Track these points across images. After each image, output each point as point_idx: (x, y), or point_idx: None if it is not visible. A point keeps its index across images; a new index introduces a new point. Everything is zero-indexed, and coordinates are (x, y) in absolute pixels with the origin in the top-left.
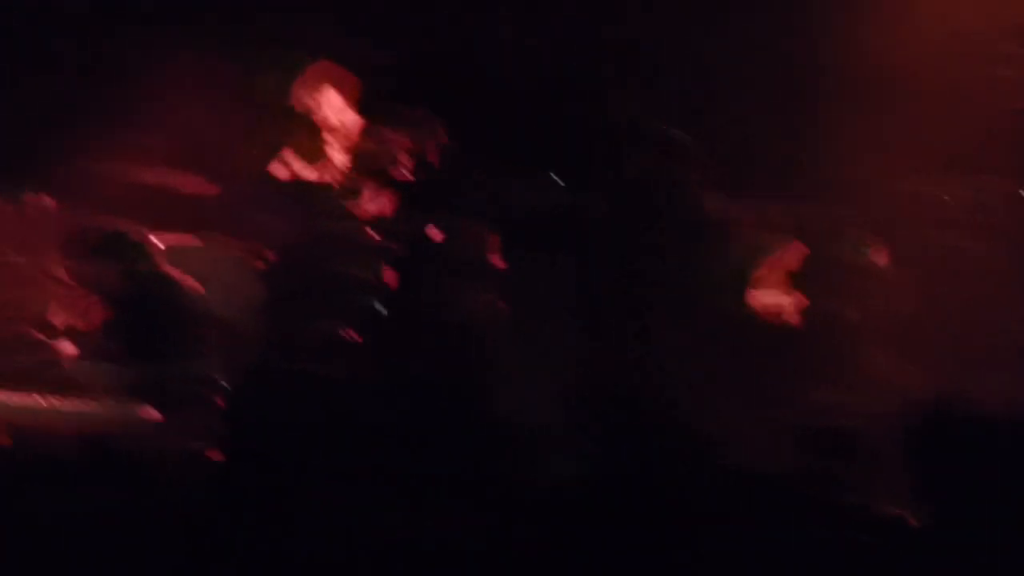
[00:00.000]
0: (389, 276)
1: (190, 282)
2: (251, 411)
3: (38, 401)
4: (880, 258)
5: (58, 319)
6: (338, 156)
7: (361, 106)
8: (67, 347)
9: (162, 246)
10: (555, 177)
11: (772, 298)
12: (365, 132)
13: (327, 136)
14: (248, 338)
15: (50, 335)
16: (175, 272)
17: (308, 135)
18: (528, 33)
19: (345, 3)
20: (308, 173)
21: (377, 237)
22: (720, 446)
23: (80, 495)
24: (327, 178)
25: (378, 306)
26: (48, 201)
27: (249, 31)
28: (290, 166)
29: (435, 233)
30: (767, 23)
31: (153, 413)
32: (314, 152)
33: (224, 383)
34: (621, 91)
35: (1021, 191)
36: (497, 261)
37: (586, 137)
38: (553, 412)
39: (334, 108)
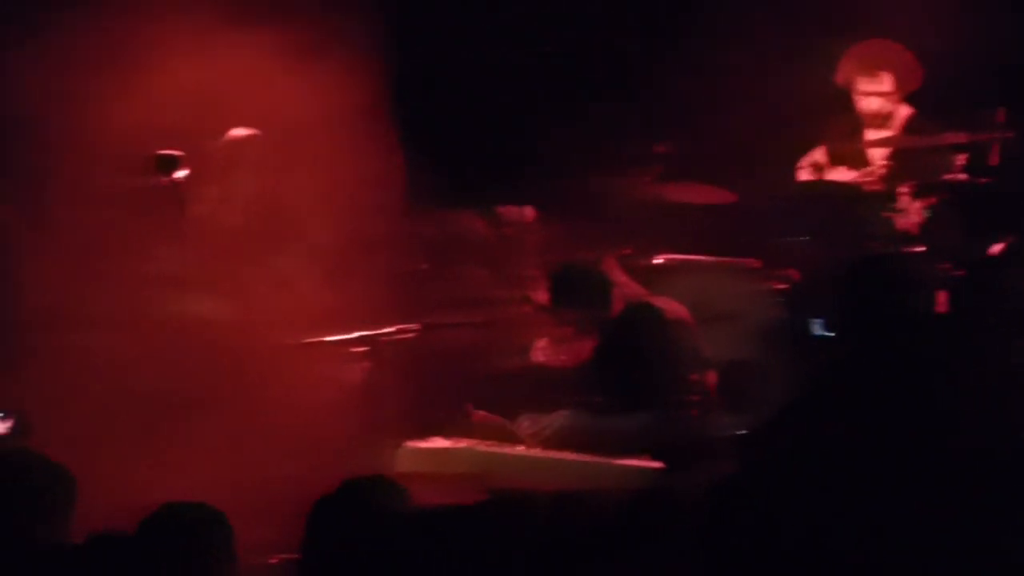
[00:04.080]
0: (942, 310)
1: (682, 312)
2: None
3: (521, 452)
4: None
5: (543, 358)
6: (880, 156)
7: (916, 97)
8: (549, 390)
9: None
10: None
11: None
12: (914, 128)
13: (869, 131)
14: (765, 381)
15: (534, 376)
16: (668, 303)
17: (848, 129)
18: None
19: None
20: (843, 177)
21: (927, 261)
22: None
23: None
24: (866, 184)
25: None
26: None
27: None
28: (823, 170)
29: (1003, 257)
30: None
31: (653, 465)
32: (853, 151)
33: (735, 432)
34: None
35: None
36: None
37: None
38: None
39: (883, 93)
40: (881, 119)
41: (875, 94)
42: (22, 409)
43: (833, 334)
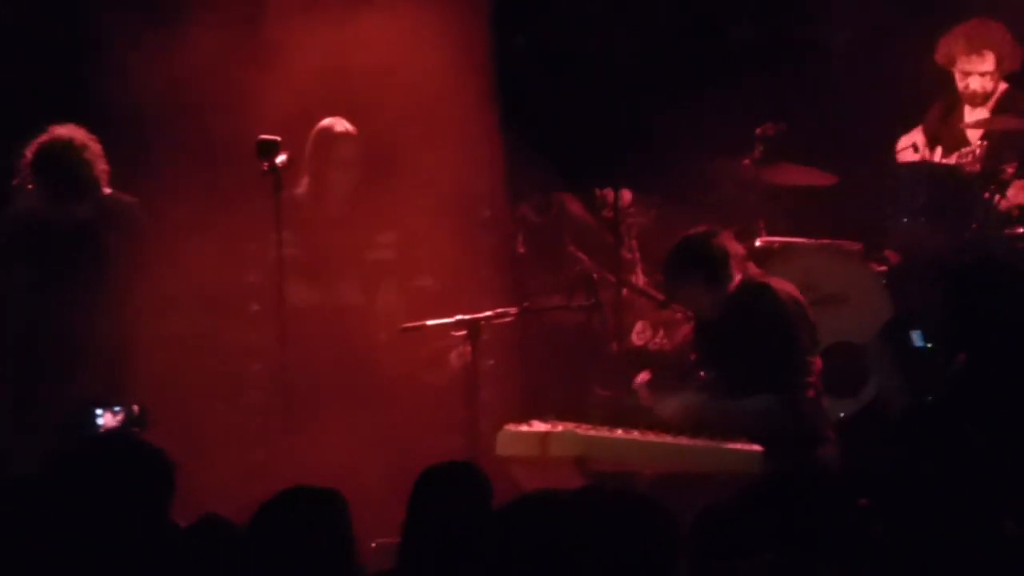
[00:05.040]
0: None
1: (795, 292)
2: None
3: (621, 435)
4: None
5: (641, 341)
6: (979, 136)
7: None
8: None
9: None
10: None
11: None
12: (1009, 105)
13: (969, 110)
14: (866, 366)
15: (633, 359)
16: (781, 283)
17: (947, 109)
18: None
19: None
20: (943, 158)
21: None
22: None
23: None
24: (966, 165)
25: None
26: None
27: None
28: (922, 151)
29: None
30: None
31: (755, 449)
32: (952, 132)
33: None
34: None
35: None
36: None
37: None
38: None
39: (985, 72)
40: (981, 97)
41: (977, 72)
42: (139, 403)
43: (931, 345)
